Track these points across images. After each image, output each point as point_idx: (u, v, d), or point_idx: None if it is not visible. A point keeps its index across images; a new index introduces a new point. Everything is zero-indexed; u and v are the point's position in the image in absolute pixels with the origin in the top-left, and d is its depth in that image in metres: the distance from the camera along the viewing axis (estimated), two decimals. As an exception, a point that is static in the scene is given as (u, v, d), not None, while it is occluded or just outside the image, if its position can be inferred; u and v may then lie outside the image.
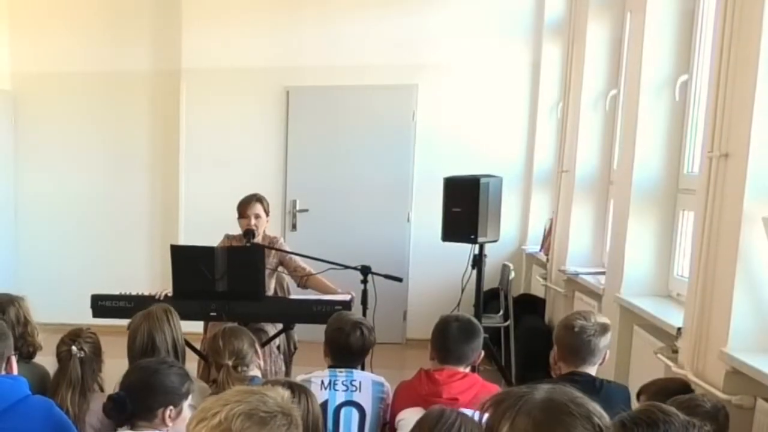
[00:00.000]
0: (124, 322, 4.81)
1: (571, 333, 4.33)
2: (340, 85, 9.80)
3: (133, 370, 3.88)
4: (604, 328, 4.37)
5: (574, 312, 4.89)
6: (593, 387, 4.06)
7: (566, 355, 4.37)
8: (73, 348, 4.29)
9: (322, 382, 4.45)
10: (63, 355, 4.32)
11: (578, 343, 4.30)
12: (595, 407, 2.21)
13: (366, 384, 4.53)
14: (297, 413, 2.60)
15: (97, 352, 4.43)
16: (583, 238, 7.78)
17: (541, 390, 2.25)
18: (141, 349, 4.47)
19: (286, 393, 2.65)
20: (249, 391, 2.56)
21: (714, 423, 3.36)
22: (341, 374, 4.53)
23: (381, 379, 4.65)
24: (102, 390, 4.43)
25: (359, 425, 4.43)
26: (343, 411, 4.43)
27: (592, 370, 4.33)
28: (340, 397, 4.45)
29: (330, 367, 4.64)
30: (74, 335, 4.40)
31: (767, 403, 4.01)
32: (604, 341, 4.37)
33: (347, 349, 4.65)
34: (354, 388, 4.48)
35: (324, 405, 4.32)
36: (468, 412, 3.26)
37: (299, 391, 3.49)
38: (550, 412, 2.18)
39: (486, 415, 2.32)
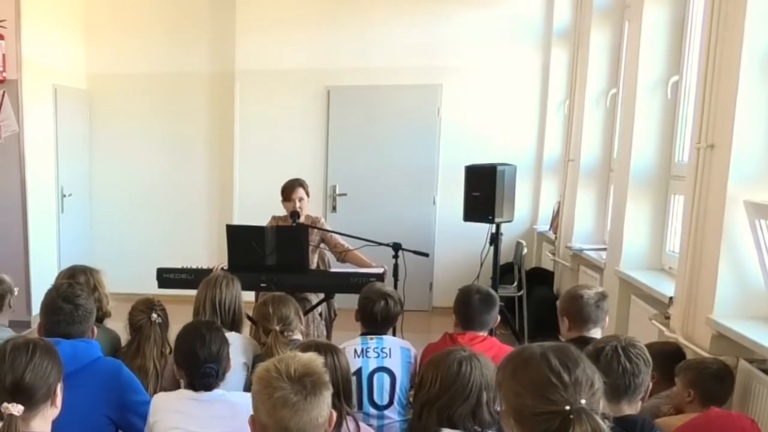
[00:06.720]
0: (185, 292, 4.83)
1: (578, 302, 4.35)
2: (374, 84, 9.81)
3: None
4: (603, 296, 4.41)
5: (576, 285, 4.91)
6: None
7: (575, 321, 4.37)
8: (153, 315, 4.39)
9: (355, 351, 4.40)
10: (143, 322, 4.39)
11: (586, 310, 4.32)
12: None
13: (395, 350, 4.47)
14: (323, 370, 2.65)
15: (166, 319, 4.51)
16: (587, 218, 7.79)
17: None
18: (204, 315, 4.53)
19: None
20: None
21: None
22: (372, 341, 4.48)
23: (408, 344, 4.60)
24: (171, 352, 4.48)
25: (390, 389, 4.38)
26: (376, 377, 4.38)
27: (597, 333, 4.33)
28: (373, 364, 4.40)
29: (361, 334, 4.60)
30: (149, 304, 4.48)
31: (748, 363, 4.03)
32: (605, 307, 4.41)
33: (372, 316, 4.60)
34: (385, 354, 4.42)
35: (359, 372, 4.32)
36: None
37: (325, 350, 3.45)
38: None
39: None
